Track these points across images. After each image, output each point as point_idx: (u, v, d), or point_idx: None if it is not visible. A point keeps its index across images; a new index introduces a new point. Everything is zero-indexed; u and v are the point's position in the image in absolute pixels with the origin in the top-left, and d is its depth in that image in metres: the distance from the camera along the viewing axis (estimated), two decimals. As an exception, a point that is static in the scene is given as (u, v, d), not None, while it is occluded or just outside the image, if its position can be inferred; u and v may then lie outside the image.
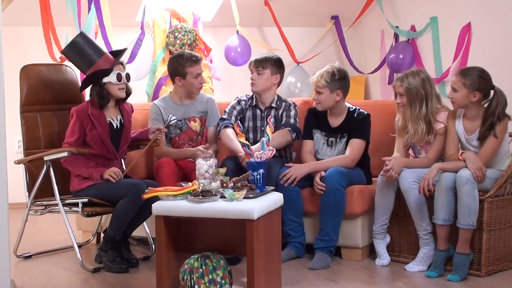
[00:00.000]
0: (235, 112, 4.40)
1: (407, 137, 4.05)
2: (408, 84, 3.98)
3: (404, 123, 4.07)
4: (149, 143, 4.20)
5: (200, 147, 4.31)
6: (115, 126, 4.11)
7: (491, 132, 3.77)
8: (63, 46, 5.27)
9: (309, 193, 4.18)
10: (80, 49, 4.01)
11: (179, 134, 4.47)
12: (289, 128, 4.26)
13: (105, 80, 4.01)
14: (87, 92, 4.21)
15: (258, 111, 4.42)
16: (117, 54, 4.15)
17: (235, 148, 4.15)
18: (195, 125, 4.48)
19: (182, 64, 4.40)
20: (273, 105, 4.40)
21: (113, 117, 4.11)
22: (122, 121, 4.15)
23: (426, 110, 3.97)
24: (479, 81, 3.79)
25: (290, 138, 4.26)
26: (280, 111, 4.38)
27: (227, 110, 4.42)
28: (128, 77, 4.10)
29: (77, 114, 4.00)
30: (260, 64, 4.34)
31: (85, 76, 4.07)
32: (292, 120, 4.32)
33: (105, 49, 4.18)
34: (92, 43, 4.07)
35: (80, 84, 4.46)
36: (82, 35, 4.05)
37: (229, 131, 4.25)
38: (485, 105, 3.84)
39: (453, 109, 3.97)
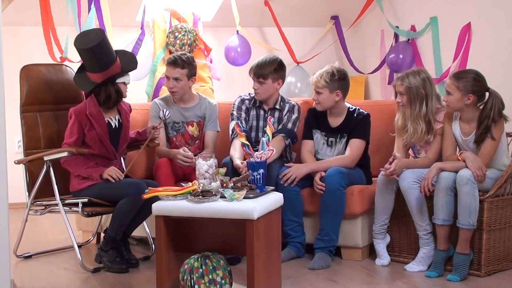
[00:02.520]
0: (243, 115, 4.38)
1: (406, 136, 4.05)
2: (408, 83, 3.98)
3: (403, 123, 4.07)
4: (145, 142, 4.19)
5: (180, 151, 4.23)
6: (113, 126, 4.11)
7: (487, 135, 3.77)
8: (63, 46, 5.29)
9: (309, 193, 4.18)
10: (101, 53, 3.92)
11: (176, 136, 4.46)
12: (283, 135, 4.24)
13: (120, 80, 4.03)
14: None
15: (262, 112, 4.41)
16: (121, 54, 4.14)
17: (233, 159, 4.13)
18: (192, 130, 4.46)
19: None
20: (277, 106, 4.38)
21: (111, 117, 4.12)
22: (121, 120, 4.16)
23: (426, 109, 3.98)
24: (472, 83, 3.78)
25: (284, 145, 4.25)
26: (284, 113, 4.37)
27: (235, 113, 4.37)
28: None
29: (75, 115, 4.00)
30: (260, 74, 4.27)
31: (102, 79, 4.00)
32: (289, 125, 4.31)
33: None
34: (110, 47, 3.99)
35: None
36: (106, 38, 3.94)
37: (237, 143, 4.21)
38: (481, 107, 3.84)
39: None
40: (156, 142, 4.33)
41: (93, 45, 3.89)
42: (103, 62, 3.95)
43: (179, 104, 4.47)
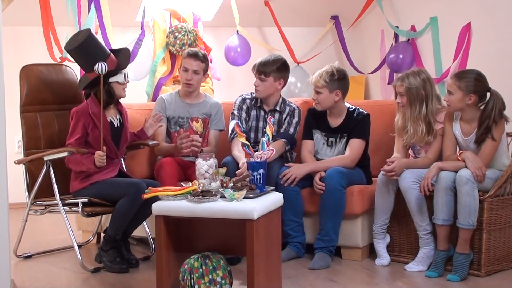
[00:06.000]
0: (244, 115, 4.38)
1: (406, 137, 4.05)
2: (408, 84, 3.98)
3: (403, 123, 4.07)
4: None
5: (182, 136, 4.26)
6: (115, 125, 4.11)
7: (488, 135, 3.77)
8: (63, 46, 5.29)
9: (309, 193, 4.18)
10: (87, 52, 3.96)
11: (178, 131, 4.47)
12: (285, 140, 4.25)
13: (113, 79, 4.02)
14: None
15: (262, 112, 4.41)
16: (117, 52, 4.14)
17: (237, 159, 4.15)
18: (197, 126, 4.47)
19: (183, 55, 4.49)
20: (277, 108, 4.38)
21: (113, 117, 4.12)
22: (122, 120, 4.16)
23: (426, 110, 3.97)
24: (474, 83, 3.78)
25: (284, 150, 4.27)
26: (284, 115, 4.37)
27: (235, 113, 4.38)
28: (128, 76, 4.13)
29: (78, 114, 4.00)
30: (262, 71, 4.29)
31: (93, 77, 4.03)
32: (291, 129, 4.31)
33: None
34: (99, 44, 4.04)
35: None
36: (90, 36, 4.00)
37: (239, 143, 4.21)
38: (482, 107, 3.84)
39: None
40: (156, 142, 4.34)
41: (77, 45, 3.97)
42: (91, 60, 3.96)
43: (185, 99, 4.50)
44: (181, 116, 4.47)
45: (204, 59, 4.43)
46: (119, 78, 4.04)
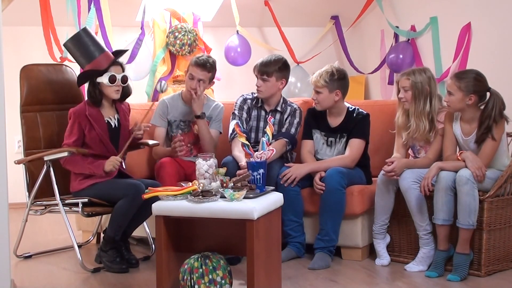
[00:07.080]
0: (245, 115, 4.38)
1: (408, 131, 4.04)
2: (415, 79, 3.97)
3: (404, 120, 4.07)
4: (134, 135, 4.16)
5: (176, 140, 4.30)
6: (113, 125, 4.11)
7: (488, 135, 3.77)
8: (63, 46, 5.30)
9: (309, 193, 4.18)
10: (81, 43, 4.02)
11: (180, 135, 4.46)
12: (287, 140, 4.25)
13: (98, 80, 4.01)
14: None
15: (263, 112, 4.41)
16: (118, 54, 4.15)
17: (237, 159, 4.16)
18: (198, 130, 4.46)
19: (191, 62, 4.44)
20: (278, 108, 4.38)
21: (110, 116, 4.12)
22: (120, 119, 4.16)
23: (430, 107, 3.98)
24: (474, 83, 3.78)
25: (285, 150, 4.27)
26: (285, 116, 4.37)
27: (237, 113, 4.38)
28: (125, 79, 4.07)
29: (74, 116, 3.99)
30: (264, 71, 4.28)
31: (81, 72, 4.07)
32: (292, 130, 4.31)
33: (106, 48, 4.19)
34: (94, 39, 4.08)
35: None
36: (85, 30, 4.08)
37: (239, 143, 4.21)
38: (482, 107, 3.84)
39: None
40: (156, 142, 4.34)
41: (71, 36, 4.04)
42: (85, 52, 4.00)
43: (188, 103, 4.48)
44: (182, 120, 4.46)
45: (211, 69, 4.39)
46: (103, 79, 4.02)
